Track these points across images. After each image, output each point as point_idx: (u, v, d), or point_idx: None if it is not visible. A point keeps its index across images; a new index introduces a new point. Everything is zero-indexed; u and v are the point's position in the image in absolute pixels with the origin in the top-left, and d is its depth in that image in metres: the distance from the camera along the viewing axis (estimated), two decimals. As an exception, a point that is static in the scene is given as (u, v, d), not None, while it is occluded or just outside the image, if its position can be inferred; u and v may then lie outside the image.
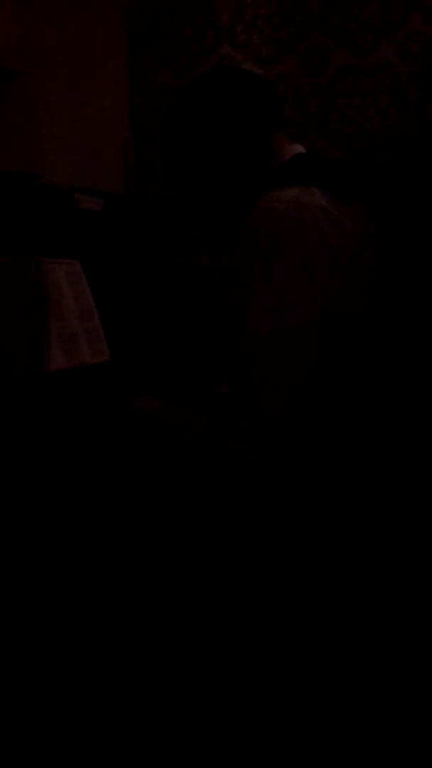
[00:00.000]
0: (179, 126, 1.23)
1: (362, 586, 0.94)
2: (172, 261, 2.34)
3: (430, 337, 0.97)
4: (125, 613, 1.06)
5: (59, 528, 1.03)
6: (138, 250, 1.80)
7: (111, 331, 1.49)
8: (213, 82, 1.23)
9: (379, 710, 0.92)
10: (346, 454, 0.98)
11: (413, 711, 0.91)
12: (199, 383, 1.45)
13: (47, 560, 1.00)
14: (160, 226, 1.95)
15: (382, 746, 0.92)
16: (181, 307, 1.86)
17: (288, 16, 2.17)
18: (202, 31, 2.32)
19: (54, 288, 1.39)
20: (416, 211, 1.05)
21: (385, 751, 0.92)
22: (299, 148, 1.21)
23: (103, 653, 1.04)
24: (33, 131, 2.05)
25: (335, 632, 0.94)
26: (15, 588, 0.96)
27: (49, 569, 1.01)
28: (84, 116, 2.21)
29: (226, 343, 1.11)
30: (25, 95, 2.00)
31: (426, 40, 2.01)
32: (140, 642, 1.05)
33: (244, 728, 0.98)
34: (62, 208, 1.54)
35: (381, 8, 2.04)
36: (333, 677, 0.94)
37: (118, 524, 1.12)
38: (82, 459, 1.10)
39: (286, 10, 2.18)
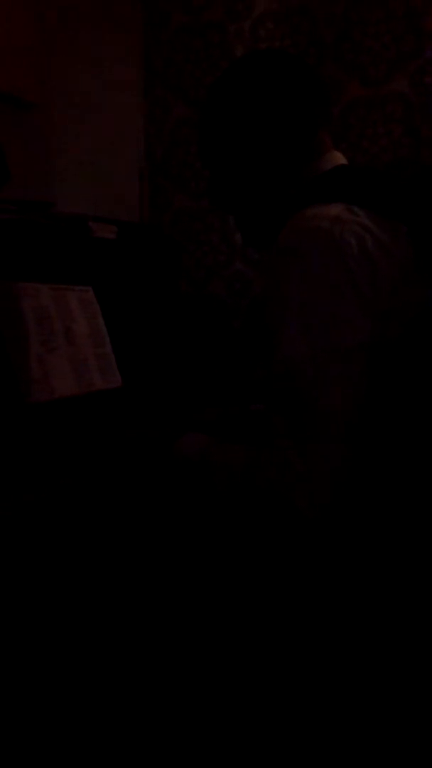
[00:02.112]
0: (220, 105, 1.14)
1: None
2: (184, 289, 2.36)
3: None
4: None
5: (66, 563, 1.01)
6: (150, 277, 1.81)
7: (122, 357, 1.50)
8: (262, 62, 1.14)
9: (379, 714, 0.90)
10: (402, 489, 0.93)
11: (413, 715, 0.89)
12: (211, 406, 1.45)
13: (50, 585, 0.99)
14: (173, 254, 1.97)
15: (381, 748, 0.89)
16: (192, 334, 1.87)
17: (302, 48, 2.20)
18: (217, 63, 2.36)
19: (67, 314, 1.40)
20: None
21: (384, 752, 0.89)
22: (341, 158, 1.13)
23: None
24: (50, 161, 2.08)
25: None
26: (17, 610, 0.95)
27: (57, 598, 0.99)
28: (100, 147, 2.24)
29: (259, 368, 1.07)
30: (42, 126, 2.04)
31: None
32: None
33: (243, 732, 0.96)
34: (76, 236, 1.56)
35: (394, 40, 2.07)
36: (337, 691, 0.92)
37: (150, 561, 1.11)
38: (89, 485, 1.09)
39: (299, 42, 2.21)
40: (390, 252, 0.95)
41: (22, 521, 0.94)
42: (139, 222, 2.40)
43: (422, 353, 0.94)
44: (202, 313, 1.99)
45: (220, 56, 2.36)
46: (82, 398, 1.35)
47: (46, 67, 2.02)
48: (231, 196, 1.17)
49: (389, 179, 1.07)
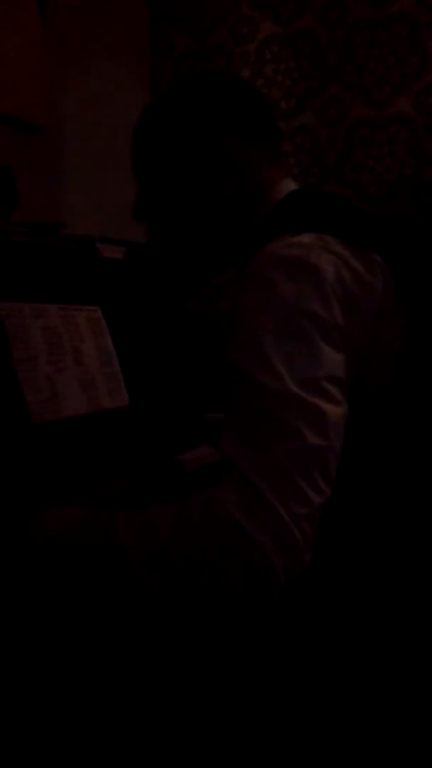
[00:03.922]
0: (146, 143, 1.07)
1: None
2: (191, 307, 2.37)
3: None
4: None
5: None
6: (158, 296, 1.83)
7: (130, 376, 1.51)
8: (195, 84, 1.05)
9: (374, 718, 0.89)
10: (385, 538, 0.89)
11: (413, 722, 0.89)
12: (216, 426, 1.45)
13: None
14: (180, 273, 1.99)
15: (379, 750, 0.89)
16: (199, 353, 1.88)
17: (306, 71, 2.24)
18: (222, 87, 2.40)
19: (75, 334, 1.41)
20: None
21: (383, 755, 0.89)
22: (291, 184, 1.05)
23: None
24: (59, 184, 2.11)
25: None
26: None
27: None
28: (109, 169, 2.27)
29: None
30: (51, 150, 2.07)
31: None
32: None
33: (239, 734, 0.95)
34: (84, 257, 1.58)
35: (398, 62, 2.10)
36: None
37: None
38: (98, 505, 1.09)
39: (303, 65, 2.24)
40: (366, 283, 0.88)
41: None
42: (147, 242, 2.42)
43: (411, 395, 0.89)
44: (209, 332, 2.01)
45: (226, 79, 2.39)
46: (90, 417, 1.36)
47: (54, 92, 2.05)
48: (168, 214, 1.08)
49: (353, 207, 1.00)
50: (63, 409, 1.31)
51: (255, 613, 0.83)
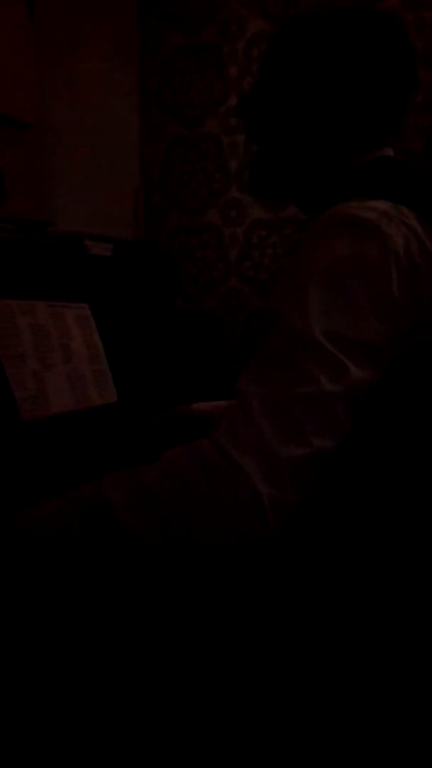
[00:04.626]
0: (299, 42, 1.00)
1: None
2: (180, 305, 2.38)
3: None
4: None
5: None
6: (146, 293, 1.83)
7: (118, 372, 1.51)
8: (393, 25, 1.00)
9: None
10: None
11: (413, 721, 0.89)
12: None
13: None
14: (169, 270, 1.99)
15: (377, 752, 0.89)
16: (188, 350, 1.88)
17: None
18: (212, 83, 2.40)
19: (63, 331, 1.41)
20: None
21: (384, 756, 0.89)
22: (387, 150, 1.02)
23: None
24: (48, 181, 2.11)
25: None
26: None
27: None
28: (97, 166, 2.27)
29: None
30: (40, 146, 2.07)
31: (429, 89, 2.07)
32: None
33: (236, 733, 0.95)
34: (72, 254, 1.58)
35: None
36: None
37: None
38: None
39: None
40: None
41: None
42: (136, 239, 2.43)
43: None
44: (198, 329, 2.01)
45: (215, 77, 2.39)
46: (79, 414, 1.37)
47: (43, 89, 2.05)
48: (272, 122, 1.03)
49: None
50: (52, 406, 1.31)
51: (246, 555, 0.80)
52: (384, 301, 0.83)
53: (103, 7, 2.35)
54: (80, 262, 1.59)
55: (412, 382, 0.88)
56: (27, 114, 1.96)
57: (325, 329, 0.80)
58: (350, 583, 0.92)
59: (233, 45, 2.35)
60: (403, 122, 1.04)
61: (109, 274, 1.68)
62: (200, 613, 0.99)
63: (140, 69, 2.52)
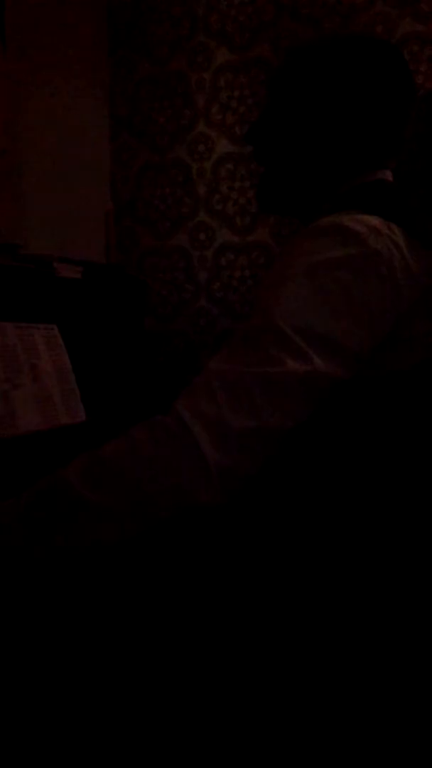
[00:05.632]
0: (309, 64, 1.05)
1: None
2: (150, 325, 2.42)
3: None
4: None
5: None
6: (115, 315, 1.86)
7: (87, 392, 1.54)
8: (393, 53, 1.05)
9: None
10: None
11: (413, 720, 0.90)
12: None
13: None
14: (137, 292, 2.03)
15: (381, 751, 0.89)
16: (156, 370, 1.92)
17: (259, 98, 2.31)
18: (179, 111, 2.46)
19: (32, 351, 1.44)
20: None
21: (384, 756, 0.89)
22: (386, 172, 1.07)
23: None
24: (19, 205, 2.14)
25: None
26: None
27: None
28: (68, 191, 2.31)
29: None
30: (11, 171, 2.11)
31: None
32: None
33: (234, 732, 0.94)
34: (41, 276, 1.61)
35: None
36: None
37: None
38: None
39: (257, 92, 2.32)
40: (417, 282, 0.92)
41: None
42: (107, 262, 2.46)
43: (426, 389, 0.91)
44: (166, 350, 2.05)
45: (183, 104, 2.46)
46: (47, 433, 1.39)
47: (14, 114, 2.09)
48: (280, 146, 1.08)
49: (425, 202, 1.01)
50: (20, 425, 1.33)
51: (201, 519, 0.84)
52: (359, 307, 0.87)
53: (75, 36, 2.40)
54: (50, 284, 1.62)
55: (381, 387, 0.92)
56: (0, 140, 2.00)
57: (297, 322, 0.84)
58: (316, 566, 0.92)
59: (200, 74, 2.42)
60: (402, 145, 1.10)
61: (79, 296, 1.72)
62: (185, 600, 0.98)
63: (111, 96, 2.58)
